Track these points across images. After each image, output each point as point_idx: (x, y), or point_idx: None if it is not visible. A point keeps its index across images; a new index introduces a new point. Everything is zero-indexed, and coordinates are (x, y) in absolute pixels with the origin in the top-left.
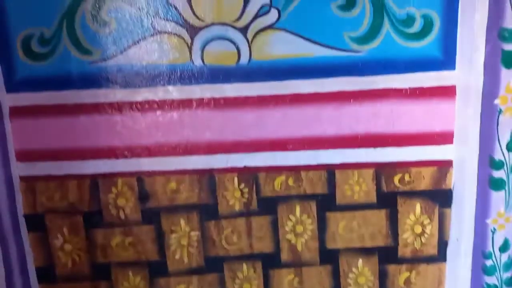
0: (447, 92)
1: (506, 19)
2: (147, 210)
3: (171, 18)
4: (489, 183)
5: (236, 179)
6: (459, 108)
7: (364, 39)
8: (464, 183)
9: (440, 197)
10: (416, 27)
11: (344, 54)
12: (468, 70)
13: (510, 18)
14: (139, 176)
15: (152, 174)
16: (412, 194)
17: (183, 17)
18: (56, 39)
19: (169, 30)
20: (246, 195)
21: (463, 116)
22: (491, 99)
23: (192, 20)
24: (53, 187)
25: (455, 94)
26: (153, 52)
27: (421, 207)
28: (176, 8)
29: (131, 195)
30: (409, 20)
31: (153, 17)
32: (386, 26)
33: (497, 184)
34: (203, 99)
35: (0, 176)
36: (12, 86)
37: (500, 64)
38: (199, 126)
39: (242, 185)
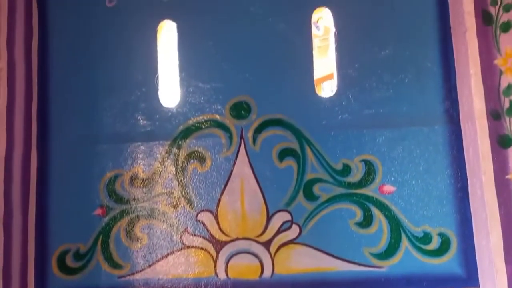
0: None
1: None
2: None
3: (198, 233)
4: None
5: None
6: None
7: (384, 255)
8: None
9: None
10: (434, 244)
11: (366, 270)
12: None
13: None
14: None
15: None
16: None
17: (210, 233)
18: (90, 254)
19: (196, 244)
20: None
21: None
22: None
23: (218, 235)
24: None
25: None
26: (180, 265)
27: None
28: (204, 224)
29: None
30: (426, 237)
31: (182, 233)
32: (405, 243)
33: None
34: None
35: None
36: None
37: None
38: None
39: None
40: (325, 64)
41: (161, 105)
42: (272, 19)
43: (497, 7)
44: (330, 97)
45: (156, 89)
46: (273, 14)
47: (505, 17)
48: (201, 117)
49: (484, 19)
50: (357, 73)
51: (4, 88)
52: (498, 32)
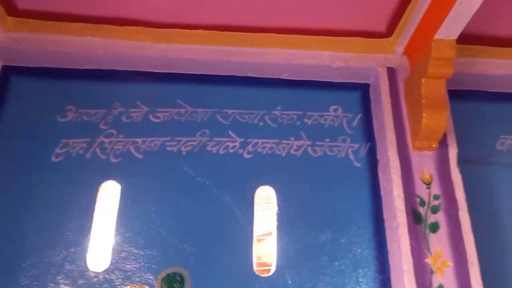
0: None
1: None
2: None
3: None
4: None
5: None
6: None
7: None
8: None
9: None
10: None
11: None
12: None
13: None
14: None
15: None
16: None
17: None
18: None
19: None
20: None
21: None
22: None
23: None
24: None
25: None
26: None
27: None
28: None
29: None
30: None
31: None
32: None
33: None
34: None
35: None
36: None
37: None
38: None
39: None
40: (266, 221)
41: (87, 268)
42: (218, 191)
43: (426, 207)
44: (268, 277)
45: (86, 251)
46: (219, 187)
47: (433, 218)
48: (128, 287)
49: (414, 217)
50: (296, 255)
51: None
52: (427, 232)
